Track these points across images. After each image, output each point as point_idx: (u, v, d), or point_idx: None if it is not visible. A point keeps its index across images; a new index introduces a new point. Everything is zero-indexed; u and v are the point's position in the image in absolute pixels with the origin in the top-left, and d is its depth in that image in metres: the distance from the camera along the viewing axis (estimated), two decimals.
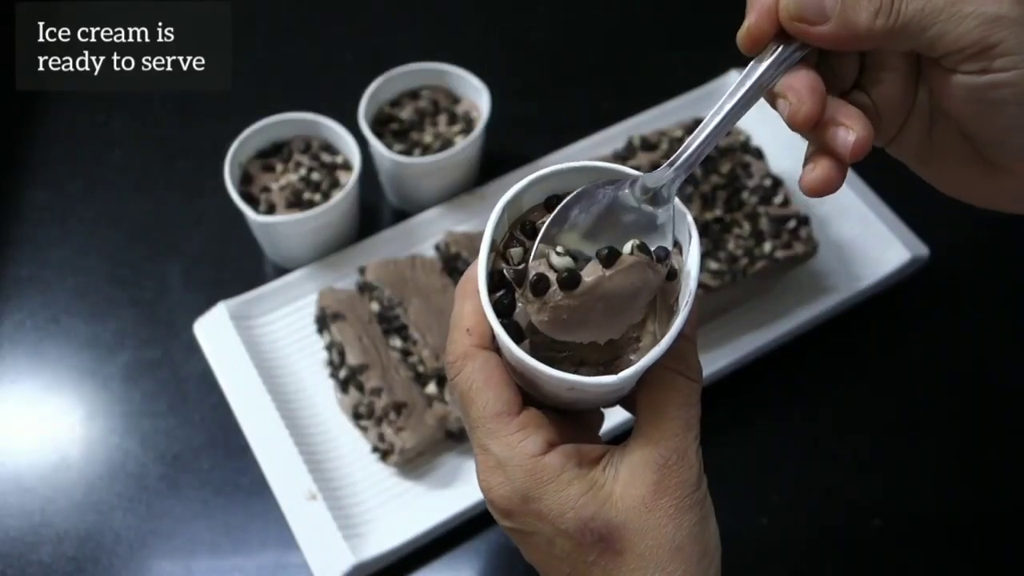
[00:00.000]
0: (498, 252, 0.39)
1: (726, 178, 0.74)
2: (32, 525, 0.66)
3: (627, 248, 0.37)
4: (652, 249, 0.37)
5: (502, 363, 0.40)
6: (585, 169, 0.40)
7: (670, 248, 0.38)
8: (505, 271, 0.38)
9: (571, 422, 0.42)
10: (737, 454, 0.71)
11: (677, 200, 0.39)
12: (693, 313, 0.38)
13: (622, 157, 0.75)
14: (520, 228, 0.40)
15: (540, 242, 0.38)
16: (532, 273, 0.37)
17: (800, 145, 0.38)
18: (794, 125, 0.35)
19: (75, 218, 0.81)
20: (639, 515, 0.37)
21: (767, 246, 0.71)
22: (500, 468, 0.39)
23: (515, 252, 0.39)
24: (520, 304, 0.38)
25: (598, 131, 0.81)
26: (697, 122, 0.77)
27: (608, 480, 0.38)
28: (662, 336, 0.38)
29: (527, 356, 0.37)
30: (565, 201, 0.38)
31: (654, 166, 0.74)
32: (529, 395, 0.41)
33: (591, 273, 0.36)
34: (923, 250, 0.76)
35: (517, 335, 0.38)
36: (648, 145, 0.75)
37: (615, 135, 0.81)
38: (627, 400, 0.41)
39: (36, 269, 0.78)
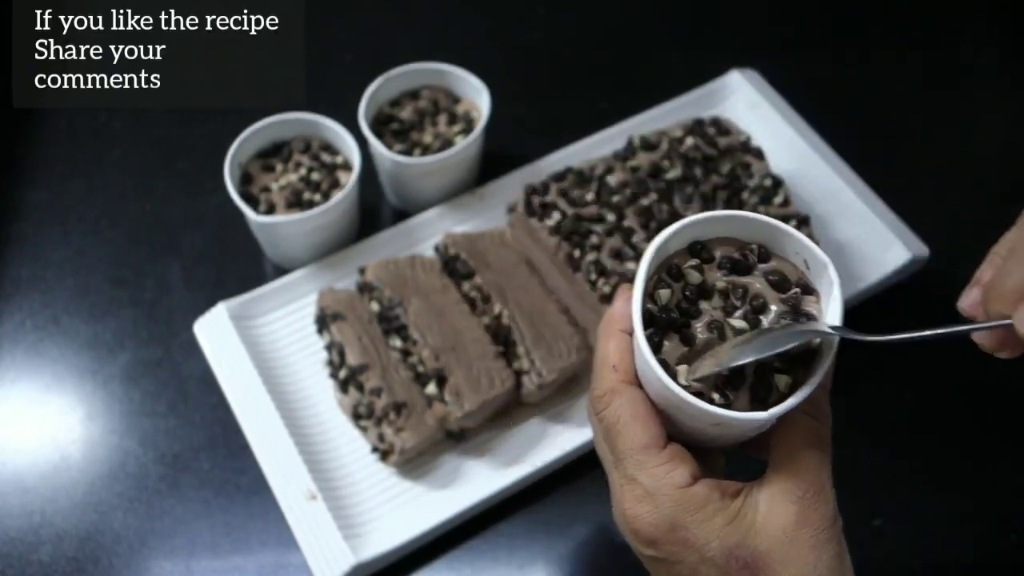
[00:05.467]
0: (647, 292, 0.42)
1: (726, 178, 0.74)
2: (32, 525, 0.66)
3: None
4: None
5: (647, 399, 0.42)
6: (730, 218, 0.43)
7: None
8: (654, 311, 0.42)
9: (702, 462, 0.44)
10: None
11: (818, 250, 0.42)
12: (832, 364, 0.41)
13: (622, 157, 0.75)
14: (667, 271, 0.43)
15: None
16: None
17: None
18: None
19: (75, 218, 0.81)
20: (781, 544, 0.39)
21: None
22: (648, 498, 0.41)
23: (663, 293, 0.42)
24: (667, 343, 0.41)
25: (598, 131, 0.81)
26: (698, 122, 0.77)
27: (750, 511, 0.40)
28: (801, 379, 0.41)
29: (681, 390, 0.39)
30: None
31: (654, 166, 0.74)
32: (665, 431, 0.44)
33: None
34: (923, 250, 0.75)
35: (666, 372, 0.40)
36: (648, 145, 0.75)
37: (615, 135, 0.81)
38: (752, 444, 0.44)
39: (36, 269, 0.78)
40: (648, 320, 0.41)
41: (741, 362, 0.40)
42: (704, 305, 0.43)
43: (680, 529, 0.40)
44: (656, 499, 0.41)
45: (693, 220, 0.43)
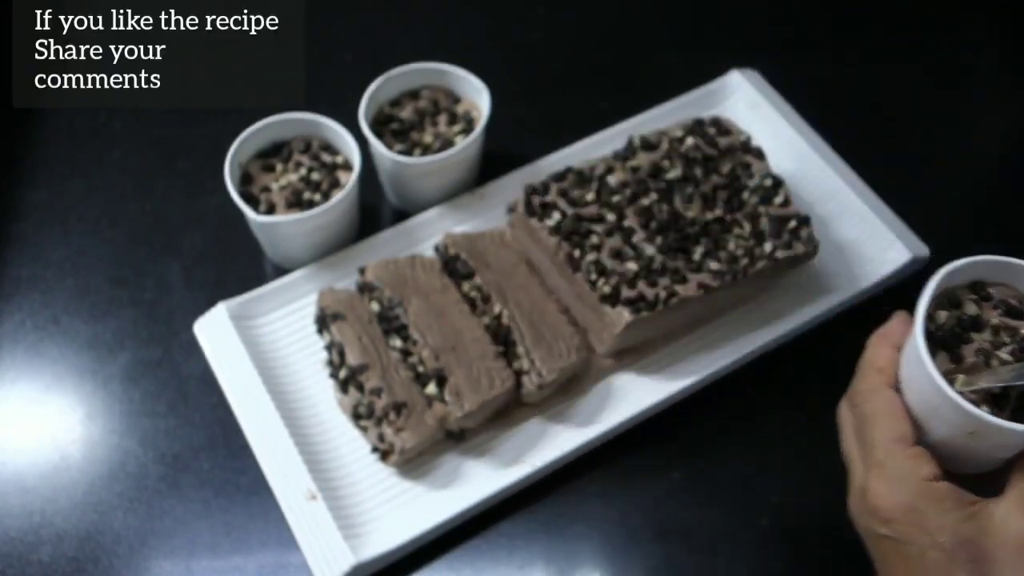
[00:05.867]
0: (928, 312, 0.48)
1: (726, 178, 0.74)
2: (32, 525, 0.66)
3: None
4: None
5: (903, 403, 0.49)
6: (1016, 267, 0.49)
7: None
8: (930, 328, 0.48)
9: None
10: (737, 454, 0.71)
11: None
12: None
13: (622, 157, 0.75)
14: (947, 298, 0.50)
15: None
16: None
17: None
18: None
19: (75, 218, 0.81)
20: (1009, 551, 0.43)
21: (768, 246, 0.71)
22: (894, 481, 0.47)
23: (941, 314, 0.49)
24: (936, 358, 0.47)
25: (598, 131, 0.81)
26: (698, 122, 0.77)
27: (984, 517, 0.45)
28: None
29: (953, 391, 0.45)
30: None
31: (654, 166, 0.74)
32: None
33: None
34: (923, 250, 0.75)
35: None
36: (648, 145, 0.75)
37: (615, 135, 0.81)
38: (989, 478, 0.48)
39: (36, 269, 0.78)
40: (924, 335, 0.47)
41: (1019, 383, 0.45)
42: (974, 335, 0.48)
43: (918, 513, 0.45)
44: (900, 483, 0.46)
45: (981, 260, 0.49)
